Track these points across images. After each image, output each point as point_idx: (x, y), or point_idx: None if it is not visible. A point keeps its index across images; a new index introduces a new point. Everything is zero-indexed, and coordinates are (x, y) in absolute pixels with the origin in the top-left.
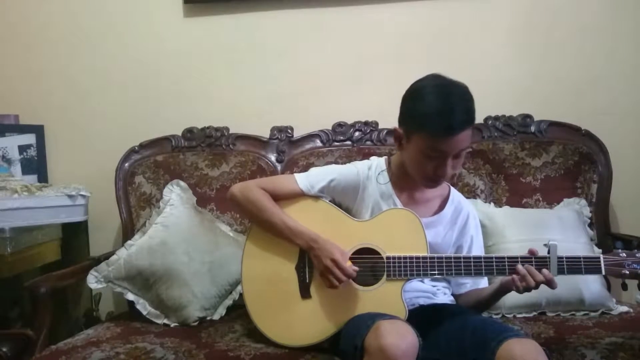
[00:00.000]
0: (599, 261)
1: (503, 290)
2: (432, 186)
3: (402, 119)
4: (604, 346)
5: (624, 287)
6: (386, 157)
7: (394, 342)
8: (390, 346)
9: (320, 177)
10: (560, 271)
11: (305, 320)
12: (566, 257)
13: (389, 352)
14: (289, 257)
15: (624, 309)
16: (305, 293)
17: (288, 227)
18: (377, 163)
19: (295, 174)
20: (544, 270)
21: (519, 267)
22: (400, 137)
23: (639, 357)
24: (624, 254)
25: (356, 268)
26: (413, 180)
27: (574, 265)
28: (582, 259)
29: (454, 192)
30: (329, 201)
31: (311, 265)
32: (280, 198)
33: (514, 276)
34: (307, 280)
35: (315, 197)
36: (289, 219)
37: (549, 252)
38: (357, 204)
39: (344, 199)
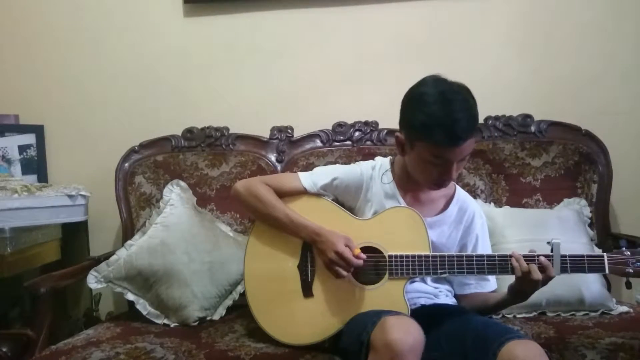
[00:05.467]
0: (603, 260)
1: (511, 297)
2: (437, 189)
3: (403, 125)
4: (604, 346)
5: (628, 285)
6: (390, 157)
7: (401, 337)
8: (397, 341)
9: (324, 175)
10: (564, 270)
11: (307, 319)
12: (569, 256)
13: (395, 347)
14: (291, 256)
15: (624, 309)
16: (307, 292)
17: (291, 221)
18: (382, 163)
19: (299, 172)
20: (540, 257)
21: (522, 262)
22: (402, 143)
23: (639, 357)
24: (628, 252)
25: (364, 256)
26: (417, 181)
27: (577, 264)
28: (585, 258)
29: (459, 191)
30: (332, 200)
31: (313, 264)
32: (283, 195)
33: (514, 264)
34: (309, 279)
35: (318, 196)
36: (292, 213)
37: (552, 251)
38: (360, 203)
39: (346, 198)
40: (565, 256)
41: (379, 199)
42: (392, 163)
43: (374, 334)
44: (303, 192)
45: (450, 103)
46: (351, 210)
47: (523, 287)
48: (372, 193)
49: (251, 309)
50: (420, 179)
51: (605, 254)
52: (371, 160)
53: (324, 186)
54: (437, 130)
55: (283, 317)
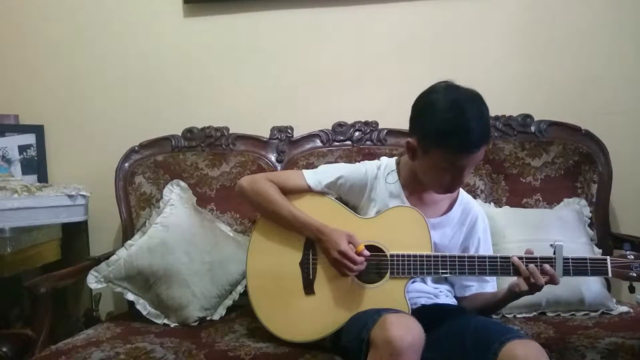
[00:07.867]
0: (606, 263)
1: (511, 295)
2: (445, 193)
3: (416, 131)
4: (604, 346)
5: (631, 289)
6: (396, 157)
7: (401, 334)
8: (397, 338)
9: (328, 174)
10: (566, 272)
11: (308, 317)
12: (572, 258)
13: (395, 344)
14: (293, 253)
15: (624, 309)
16: (308, 289)
17: (295, 219)
18: (387, 163)
19: (304, 170)
20: (545, 265)
21: (522, 268)
22: (413, 149)
23: (639, 357)
24: (632, 256)
25: (367, 253)
26: (423, 183)
27: (580, 267)
28: (588, 260)
29: (462, 193)
30: (335, 198)
31: (315, 262)
32: (287, 192)
33: (519, 280)
34: (311, 277)
35: (322, 194)
36: (296, 211)
37: (554, 253)
38: (363, 202)
39: (350, 197)
40: (568, 259)
41: (383, 198)
42: (397, 164)
43: (374, 331)
44: (307, 190)
45: (464, 112)
46: (354, 209)
47: (526, 292)
48: (376, 193)
49: (252, 305)
50: (429, 184)
51: (608, 257)
52: (376, 160)
53: (328, 185)
54: (454, 137)
55: (284, 314)
